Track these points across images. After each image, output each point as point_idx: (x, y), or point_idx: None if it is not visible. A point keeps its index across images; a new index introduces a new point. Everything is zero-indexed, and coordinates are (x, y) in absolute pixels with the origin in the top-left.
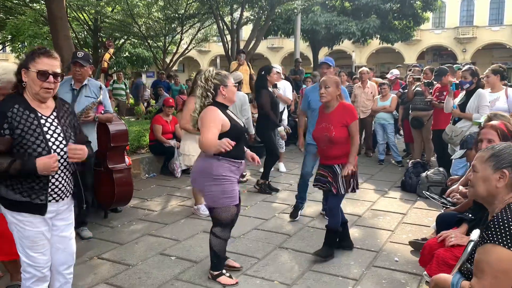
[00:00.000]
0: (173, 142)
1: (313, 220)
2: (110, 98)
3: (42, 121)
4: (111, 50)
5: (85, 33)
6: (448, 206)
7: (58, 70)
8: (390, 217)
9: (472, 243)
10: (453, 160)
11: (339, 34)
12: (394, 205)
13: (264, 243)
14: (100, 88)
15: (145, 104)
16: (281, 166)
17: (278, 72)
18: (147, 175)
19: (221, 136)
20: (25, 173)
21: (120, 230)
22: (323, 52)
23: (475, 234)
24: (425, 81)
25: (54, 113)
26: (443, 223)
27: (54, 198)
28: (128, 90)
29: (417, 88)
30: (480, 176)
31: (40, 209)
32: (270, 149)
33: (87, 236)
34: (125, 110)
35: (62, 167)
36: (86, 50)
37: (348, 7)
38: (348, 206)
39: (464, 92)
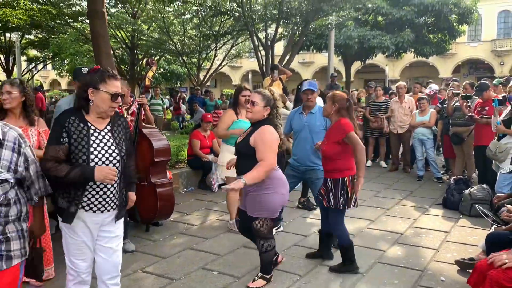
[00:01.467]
0: (210, 157)
1: (354, 237)
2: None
3: (95, 134)
4: (154, 68)
5: (122, 50)
6: (500, 224)
7: (120, 91)
8: (433, 235)
9: None
10: (498, 176)
11: (372, 48)
12: (436, 222)
13: (305, 260)
14: None
15: (180, 119)
16: None
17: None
18: (185, 189)
19: None
20: (84, 180)
21: (162, 244)
22: (355, 66)
23: None
24: (463, 94)
25: (108, 127)
26: (493, 243)
27: (99, 209)
28: (165, 106)
29: (456, 103)
30: None
31: (71, 217)
32: None
33: (130, 249)
34: (162, 125)
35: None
36: (123, 67)
37: (381, 21)
38: (389, 224)
39: (509, 108)
